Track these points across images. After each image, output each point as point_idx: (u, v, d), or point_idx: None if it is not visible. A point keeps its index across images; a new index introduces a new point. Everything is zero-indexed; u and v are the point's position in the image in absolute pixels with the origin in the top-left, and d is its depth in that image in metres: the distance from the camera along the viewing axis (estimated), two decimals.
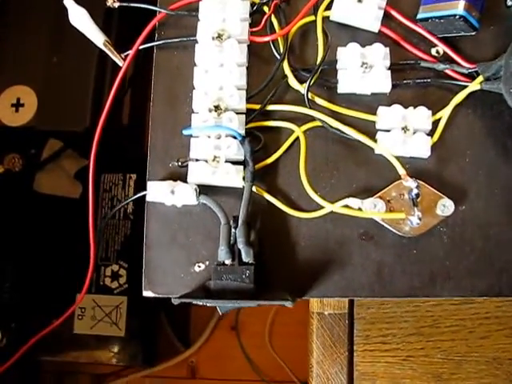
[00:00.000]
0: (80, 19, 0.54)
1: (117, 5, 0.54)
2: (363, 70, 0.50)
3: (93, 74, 0.72)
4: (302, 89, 0.50)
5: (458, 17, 0.49)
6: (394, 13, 0.52)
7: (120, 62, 0.53)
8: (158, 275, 0.49)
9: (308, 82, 0.49)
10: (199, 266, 0.49)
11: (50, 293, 0.82)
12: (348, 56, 0.50)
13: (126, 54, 0.54)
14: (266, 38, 0.51)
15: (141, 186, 0.58)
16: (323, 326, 0.60)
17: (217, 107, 0.49)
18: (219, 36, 0.50)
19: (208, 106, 0.49)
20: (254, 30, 0.52)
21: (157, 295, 0.49)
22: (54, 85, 0.70)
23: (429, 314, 0.61)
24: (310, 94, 0.50)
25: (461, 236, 0.49)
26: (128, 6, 0.55)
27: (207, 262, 0.49)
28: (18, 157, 0.81)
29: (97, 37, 0.54)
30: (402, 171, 0.47)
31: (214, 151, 0.48)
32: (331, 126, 0.49)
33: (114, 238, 0.83)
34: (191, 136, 0.50)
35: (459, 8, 0.49)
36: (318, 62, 0.50)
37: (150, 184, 0.49)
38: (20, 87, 0.77)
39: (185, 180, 0.49)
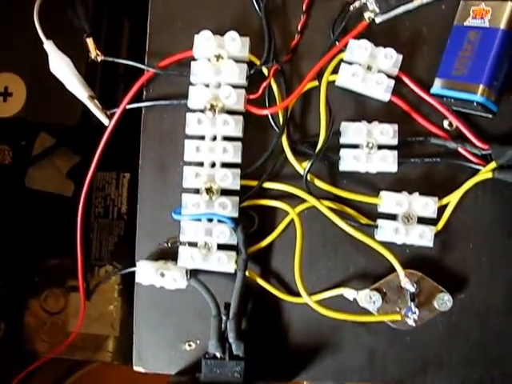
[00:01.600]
0: (62, 68, 0.50)
1: (100, 59, 0.49)
2: (368, 150, 0.46)
3: (84, 62, 0.66)
4: (301, 169, 0.47)
5: (475, 103, 0.44)
6: (405, 79, 0.47)
7: (105, 121, 0.49)
8: (148, 352, 0.49)
9: (307, 168, 0.46)
10: (190, 345, 0.49)
11: (39, 288, 0.81)
12: (353, 134, 0.46)
13: (111, 111, 0.49)
14: (265, 112, 0.47)
15: (134, 184, 0.56)
16: None
17: (208, 189, 0.46)
18: (212, 107, 0.46)
19: (199, 185, 0.46)
20: (252, 97, 0.47)
21: (147, 371, 0.49)
22: (43, 73, 0.65)
23: None
24: (308, 175, 0.47)
25: (457, 325, 0.48)
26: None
27: (198, 341, 0.49)
28: (8, 149, 0.78)
29: (80, 89, 0.49)
30: (401, 274, 0.45)
31: (204, 237, 0.46)
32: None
33: (107, 239, 0.82)
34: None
35: (478, 94, 0.44)
36: (318, 147, 0.46)
37: (139, 265, 0.47)
38: (7, 74, 0.72)
39: (175, 258, 0.47)
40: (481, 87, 0.44)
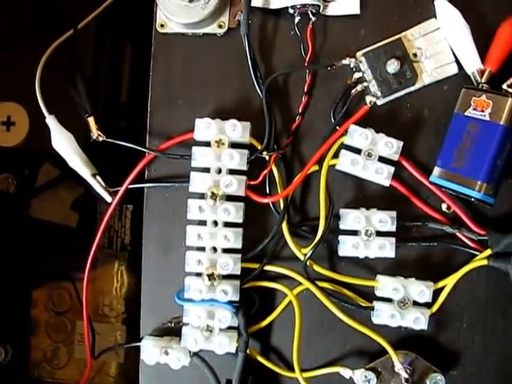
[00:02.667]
0: (64, 144, 0.50)
1: (102, 139, 0.49)
2: (367, 237, 0.47)
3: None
4: (301, 255, 0.48)
5: (473, 199, 0.45)
6: (405, 164, 0.48)
7: (108, 199, 0.50)
8: None
9: (307, 256, 0.47)
10: None
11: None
12: (352, 221, 0.47)
13: (114, 189, 0.50)
14: (265, 200, 0.47)
15: (137, 215, 0.57)
16: None
17: (210, 276, 0.47)
18: (213, 194, 0.47)
19: (201, 271, 0.47)
20: (252, 182, 0.48)
21: None
22: (45, 102, 0.66)
23: None
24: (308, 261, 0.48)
25: None
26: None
27: None
28: (12, 177, 0.79)
29: (83, 168, 0.50)
30: (395, 360, 0.47)
31: (207, 320, 0.47)
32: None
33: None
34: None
35: (476, 190, 0.45)
36: (318, 236, 0.47)
37: (143, 343, 0.49)
38: (10, 104, 0.73)
39: (178, 333, 0.49)
40: (479, 183, 0.45)
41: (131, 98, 0.67)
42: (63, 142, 0.50)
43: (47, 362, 0.80)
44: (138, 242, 0.54)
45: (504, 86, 0.46)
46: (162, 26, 0.49)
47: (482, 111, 0.45)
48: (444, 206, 0.49)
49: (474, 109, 0.46)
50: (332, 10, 0.49)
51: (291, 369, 0.49)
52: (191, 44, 0.49)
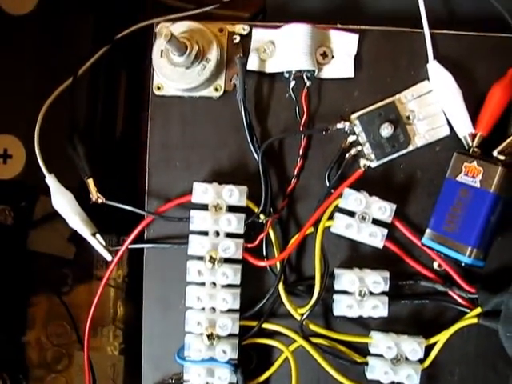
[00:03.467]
0: (64, 204, 0.51)
1: (101, 201, 0.50)
2: (361, 298, 0.48)
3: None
4: (297, 315, 0.49)
5: (463, 264, 0.46)
6: (398, 225, 0.49)
7: (108, 257, 0.51)
8: None
9: (303, 318, 0.48)
10: None
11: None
12: (346, 282, 0.49)
13: (115, 248, 0.51)
14: (262, 264, 0.49)
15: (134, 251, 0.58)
16: None
17: (209, 336, 0.48)
18: (211, 258, 0.48)
19: (201, 331, 0.49)
20: (249, 245, 0.49)
21: None
22: (41, 135, 0.67)
23: None
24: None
25: None
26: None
27: None
28: (9, 209, 0.79)
29: (83, 228, 0.51)
30: None
31: (206, 378, 0.49)
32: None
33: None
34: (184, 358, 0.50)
35: (466, 255, 0.46)
36: (314, 298, 0.48)
37: None
38: (7, 137, 0.73)
39: None
40: (469, 249, 0.46)
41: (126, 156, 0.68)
42: (63, 202, 0.51)
43: None
44: (134, 274, 0.55)
45: (495, 153, 0.47)
46: (158, 88, 0.50)
47: (473, 177, 0.46)
48: (436, 264, 0.50)
49: (466, 174, 0.47)
50: (326, 72, 0.49)
51: None
52: (188, 106, 0.50)
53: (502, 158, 0.47)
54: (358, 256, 0.50)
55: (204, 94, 0.50)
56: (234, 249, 0.48)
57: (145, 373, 0.52)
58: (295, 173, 0.50)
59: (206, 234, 0.49)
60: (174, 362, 0.50)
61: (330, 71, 0.49)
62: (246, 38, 0.50)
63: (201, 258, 0.48)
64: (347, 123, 0.49)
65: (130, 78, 0.68)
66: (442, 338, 0.50)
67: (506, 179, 0.46)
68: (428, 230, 0.48)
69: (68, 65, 0.60)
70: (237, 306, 0.49)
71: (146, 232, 0.51)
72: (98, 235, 0.51)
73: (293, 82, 0.49)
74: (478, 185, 0.46)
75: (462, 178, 0.47)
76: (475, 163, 0.47)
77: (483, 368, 0.51)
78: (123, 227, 0.55)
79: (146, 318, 0.51)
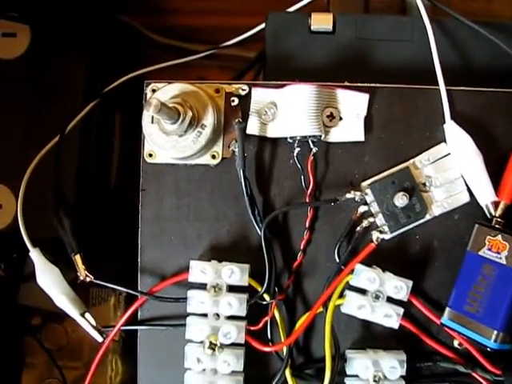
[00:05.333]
0: (49, 281, 0.47)
1: (89, 280, 0.46)
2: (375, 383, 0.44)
3: (73, 176, 0.64)
4: None
5: (488, 349, 0.42)
6: (415, 302, 0.45)
7: (99, 338, 0.47)
8: None
9: None
10: None
11: None
12: (359, 369, 0.45)
13: (105, 329, 0.47)
14: (267, 349, 0.45)
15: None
16: None
17: None
18: (211, 345, 0.44)
19: None
20: (252, 328, 0.45)
21: None
22: (30, 183, 0.63)
23: None
24: None
25: None
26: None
27: None
28: (0, 261, 0.76)
29: (70, 307, 0.47)
30: None
31: None
32: None
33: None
34: None
35: (491, 340, 0.42)
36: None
37: None
38: None
39: None
40: (495, 333, 0.42)
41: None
42: (48, 279, 0.47)
43: None
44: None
45: None
46: (150, 155, 0.46)
47: (498, 253, 0.42)
48: (456, 343, 0.46)
49: (489, 249, 0.43)
50: (334, 136, 0.45)
51: None
52: (183, 175, 0.46)
53: None
54: (371, 336, 0.46)
55: (200, 162, 0.45)
56: (235, 334, 0.44)
57: None
58: (301, 247, 0.45)
59: (205, 315, 0.44)
60: None
61: (338, 134, 0.45)
62: (245, 98, 0.46)
63: (200, 342, 0.44)
64: (358, 192, 0.44)
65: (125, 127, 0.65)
66: None
67: None
68: (448, 309, 0.44)
69: (59, 112, 0.56)
70: None
71: (139, 312, 0.47)
72: (87, 314, 0.47)
73: (297, 149, 0.45)
74: (503, 261, 0.42)
75: (485, 252, 0.43)
76: (500, 237, 0.42)
77: None
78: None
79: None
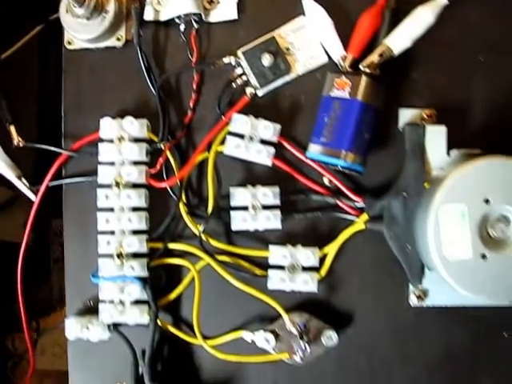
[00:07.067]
0: None
1: (22, 144, 0.56)
2: (254, 211, 0.53)
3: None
4: (197, 231, 0.54)
5: (340, 167, 0.51)
6: (286, 144, 0.54)
7: (33, 197, 0.57)
8: None
9: (200, 231, 0.53)
10: None
11: None
12: (239, 198, 0.53)
13: (37, 187, 0.56)
14: (163, 184, 0.54)
15: None
16: None
17: (119, 255, 0.53)
18: (117, 184, 0.53)
19: (111, 251, 0.53)
20: (152, 171, 0.54)
21: None
22: None
23: None
24: (205, 236, 0.54)
25: (347, 356, 0.54)
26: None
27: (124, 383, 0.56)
28: None
29: (8, 172, 0.57)
30: (286, 319, 0.52)
31: (119, 295, 0.53)
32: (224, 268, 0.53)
33: None
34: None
35: (341, 158, 0.50)
36: (208, 212, 0.53)
37: (67, 322, 0.55)
38: None
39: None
40: (343, 153, 0.50)
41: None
42: None
43: None
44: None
45: (361, 67, 0.52)
46: (69, 43, 0.57)
47: (343, 90, 0.51)
48: (326, 180, 0.54)
49: (337, 89, 0.52)
50: (213, 16, 0.56)
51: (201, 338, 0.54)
52: (96, 57, 0.57)
53: (366, 70, 0.52)
54: (252, 177, 0.55)
55: (108, 44, 0.56)
56: (136, 174, 0.53)
57: (68, 300, 0.56)
58: (191, 106, 0.55)
59: (112, 164, 0.54)
60: (94, 288, 0.55)
61: (216, 15, 0.56)
62: None
63: (110, 186, 0.54)
64: (233, 58, 0.54)
65: None
66: (333, 248, 0.53)
67: (371, 88, 0.51)
68: (310, 144, 0.53)
69: None
70: (143, 227, 0.54)
71: (63, 171, 0.56)
72: (22, 178, 0.57)
73: (182, 26, 0.55)
74: (347, 96, 0.51)
75: (334, 92, 0.52)
76: (343, 77, 0.52)
77: (381, 275, 0.54)
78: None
79: (67, 250, 0.56)
